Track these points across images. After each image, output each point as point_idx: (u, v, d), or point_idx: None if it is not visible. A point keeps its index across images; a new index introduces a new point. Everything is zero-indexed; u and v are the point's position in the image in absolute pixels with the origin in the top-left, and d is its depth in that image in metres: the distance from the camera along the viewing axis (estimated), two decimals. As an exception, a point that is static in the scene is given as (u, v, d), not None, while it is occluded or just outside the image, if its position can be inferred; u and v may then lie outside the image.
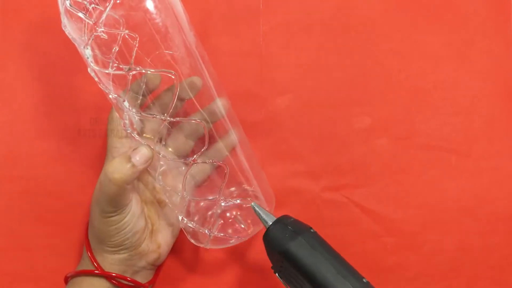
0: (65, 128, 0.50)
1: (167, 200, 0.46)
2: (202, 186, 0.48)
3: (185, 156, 0.47)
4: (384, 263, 0.51)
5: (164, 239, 0.46)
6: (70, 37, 0.40)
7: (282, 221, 0.42)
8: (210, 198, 0.46)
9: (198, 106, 0.46)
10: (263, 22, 0.52)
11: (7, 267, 0.49)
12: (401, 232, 0.51)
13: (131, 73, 0.40)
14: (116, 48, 0.39)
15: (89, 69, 0.40)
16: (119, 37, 0.39)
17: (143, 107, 0.46)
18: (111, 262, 0.44)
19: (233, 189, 0.47)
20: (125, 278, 0.44)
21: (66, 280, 0.46)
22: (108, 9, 0.39)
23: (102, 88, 0.41)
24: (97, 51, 0.40)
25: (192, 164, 0.43)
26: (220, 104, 0.45)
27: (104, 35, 0.40)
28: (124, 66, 0.40)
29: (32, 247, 0.50)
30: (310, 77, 0.52)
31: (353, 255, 0.50)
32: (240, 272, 0.50)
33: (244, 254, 0.51)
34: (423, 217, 0.51)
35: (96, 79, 0.41)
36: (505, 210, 0.52)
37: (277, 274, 0.41)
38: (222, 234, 0.45)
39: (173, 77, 0.40)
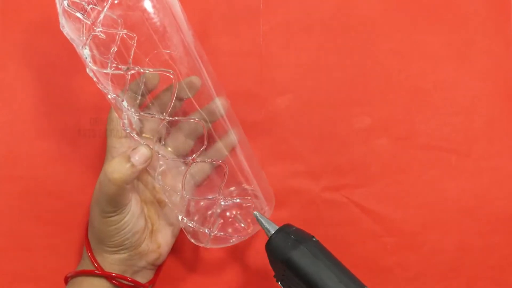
0: (65, 128, 0.50)
1: (166, 200, 0.46)
2: (202, 185, 0.48)
3: (184, 156, 0.47)
4: (384, 263, 0.51)
5: (164, 239, 0.46)
6: (68, 37, 0.40)
7: (284, 230, 0.42)
8: (210, 197, 0.46)
9: (197, 106, 0.46)
10: (263, 22, 0.52)
11: (7, 267, 0.49)
12: (401, 232, 0.51)
13: (129, 73, 0.39)
14: (114, 48, 0.39)
15: (87, 69, 0.40)
16: (117, 37, 0.39)
17: (142, 107, 0.46)
18: (111, 262, 0.44)
19: (232, 188, 0.47)
20: (125, 278, 0.44)
21: (66, 280, 0.46)
22: (105, 9, 0.39)
23: (100, 88, 0.41)
24: (95, 51, 0.40)
25: (192, 163, 0.43)
26: (219, 104, 0.45)
27: (102, 35, 0.40)
28: (122, 66, 0.40)
29: (32, 247, 0.50)
30: (310, 77, 0.52)
31: (353, 255, 0.50)
32: (240, 272, 0.50)
33: (244, 254, 0.51)
34: (423, 217, 0.51)
35: (95, 79, 0.41)
36: (505, 210, 0.52)
37: (279, 283, 0.41)
38: (222, 234, 0.45)
39: (171, 76, 0.40)
